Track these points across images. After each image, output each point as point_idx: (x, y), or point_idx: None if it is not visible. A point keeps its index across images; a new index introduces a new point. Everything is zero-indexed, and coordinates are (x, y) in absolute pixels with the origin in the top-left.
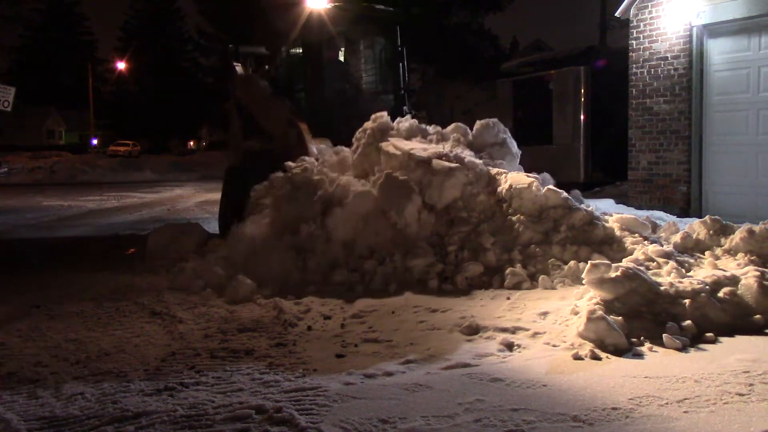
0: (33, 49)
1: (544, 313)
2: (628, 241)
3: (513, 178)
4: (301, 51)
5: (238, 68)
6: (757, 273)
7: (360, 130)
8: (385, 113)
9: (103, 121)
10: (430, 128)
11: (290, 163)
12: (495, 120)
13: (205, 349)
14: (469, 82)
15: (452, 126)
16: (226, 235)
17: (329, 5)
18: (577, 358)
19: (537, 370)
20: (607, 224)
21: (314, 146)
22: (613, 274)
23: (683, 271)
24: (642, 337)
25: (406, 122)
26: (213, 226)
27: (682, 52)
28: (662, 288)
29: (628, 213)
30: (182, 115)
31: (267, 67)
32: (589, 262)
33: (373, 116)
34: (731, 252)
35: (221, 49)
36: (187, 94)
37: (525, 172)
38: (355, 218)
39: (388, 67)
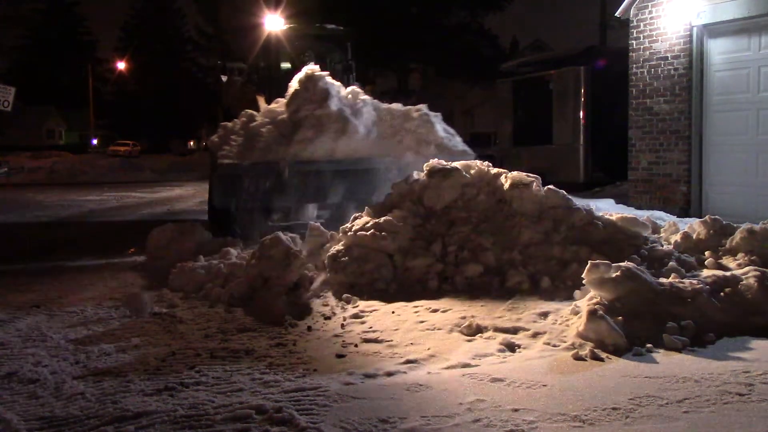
0: (33, 49)
1: (544, 313)
2: (628, 241)
3: (513, 178)
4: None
5: (225, 80)
6: (757, 273)
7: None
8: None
9: (103, 121)
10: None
11: None
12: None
13: (205, 349)
14: (469, 82)
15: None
16: (216, 232)
17: (285, 27)
18: (578, 358)
19: (537, 370)
20: (607, 224)
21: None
22: (613, 274)
23: (683, 271)
24: (642, 337)
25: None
26: None
27: (682, 52)
28: (662, 288)
29: (628, 213)
30: (182, 115)
31: (247, 79)
32: (589, 262)
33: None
34: (731, 252)
35: (216, 54)
36: (187, 94)
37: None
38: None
39: (341, 76)
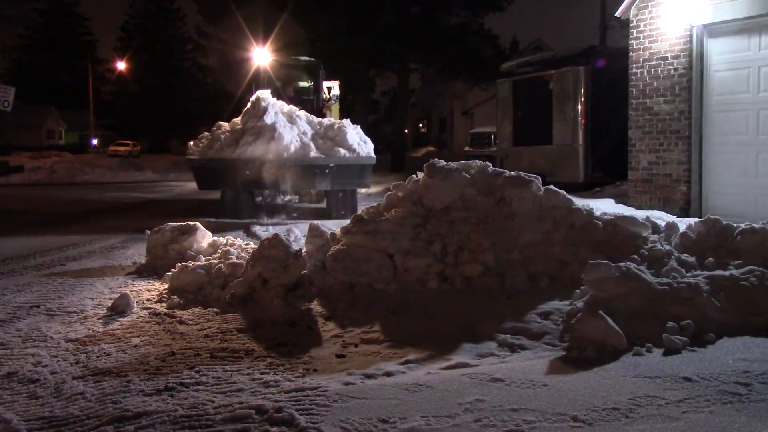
0: (33, 49)
1: (544, 313)
2: (628, 241)
3: (513, 178)
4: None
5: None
6: (758, 273)
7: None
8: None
9: (103, 121)
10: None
11: None
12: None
13: (205, 349)
14: (469, 82)
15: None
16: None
17: (272, 59)
18: (578, 358)
19: (537, 370)
20: (607, 224)
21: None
22: (613, 274)
23: (683, 271)
24: (642, 337)
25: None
26: (214, 226)
27: (682, 52)
28: (662, 288)
29: (628, 213)
30: (182, 115)
31: None
32: (589, 262)
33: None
34: (731, 252)
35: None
36: (187, 94)
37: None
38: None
39: (313, 94)
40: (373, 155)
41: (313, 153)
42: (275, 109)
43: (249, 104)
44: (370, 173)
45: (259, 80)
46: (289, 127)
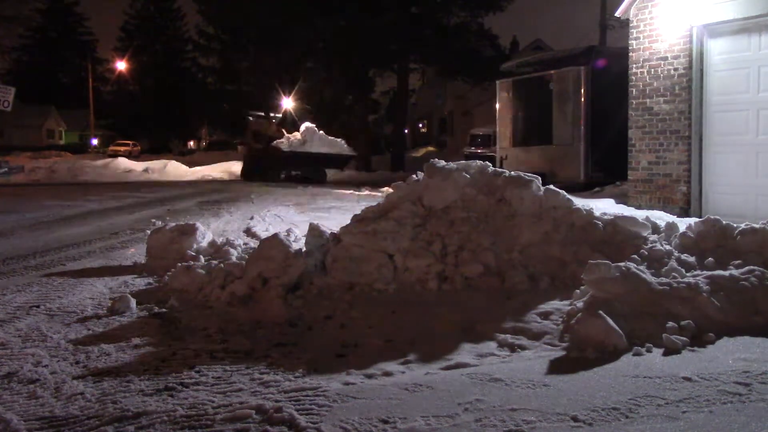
0: (33, 49)
1: (544, 313)
2: (628, 241)
3: (513, 177)
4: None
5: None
6: (758, 273)
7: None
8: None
9: (103, 121)
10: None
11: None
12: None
13: (205, 349)
14: (469, 82)
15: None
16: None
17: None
18: (577, 358)
19: (537, 370)
20: (607, 224)
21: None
22: (613, 274)
23: (683, 271)
24: (642, 337)
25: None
26: (214, 226)
27: (682, 52)
28: (662, 288)
29: (628, 213)
30: (182, 115)
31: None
32: (589, 262)
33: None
34: (731, 252)
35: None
36: (187, 94)
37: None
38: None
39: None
40: (349, 152)
41: (322, 151)
42: (311, 130)
43: (302, 127)
44: (349, 162)
45: (285, 118)
46: (311, 137)
